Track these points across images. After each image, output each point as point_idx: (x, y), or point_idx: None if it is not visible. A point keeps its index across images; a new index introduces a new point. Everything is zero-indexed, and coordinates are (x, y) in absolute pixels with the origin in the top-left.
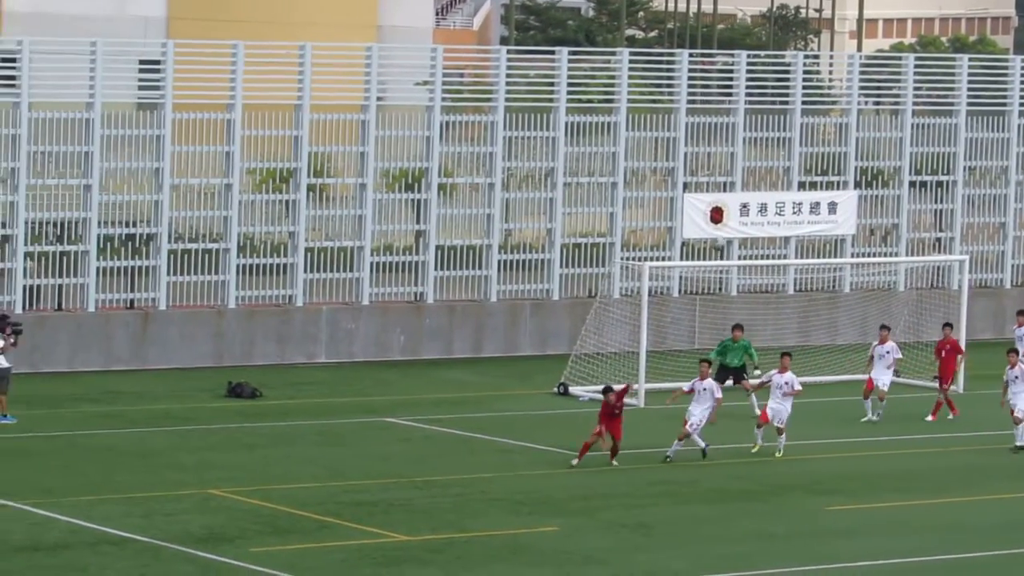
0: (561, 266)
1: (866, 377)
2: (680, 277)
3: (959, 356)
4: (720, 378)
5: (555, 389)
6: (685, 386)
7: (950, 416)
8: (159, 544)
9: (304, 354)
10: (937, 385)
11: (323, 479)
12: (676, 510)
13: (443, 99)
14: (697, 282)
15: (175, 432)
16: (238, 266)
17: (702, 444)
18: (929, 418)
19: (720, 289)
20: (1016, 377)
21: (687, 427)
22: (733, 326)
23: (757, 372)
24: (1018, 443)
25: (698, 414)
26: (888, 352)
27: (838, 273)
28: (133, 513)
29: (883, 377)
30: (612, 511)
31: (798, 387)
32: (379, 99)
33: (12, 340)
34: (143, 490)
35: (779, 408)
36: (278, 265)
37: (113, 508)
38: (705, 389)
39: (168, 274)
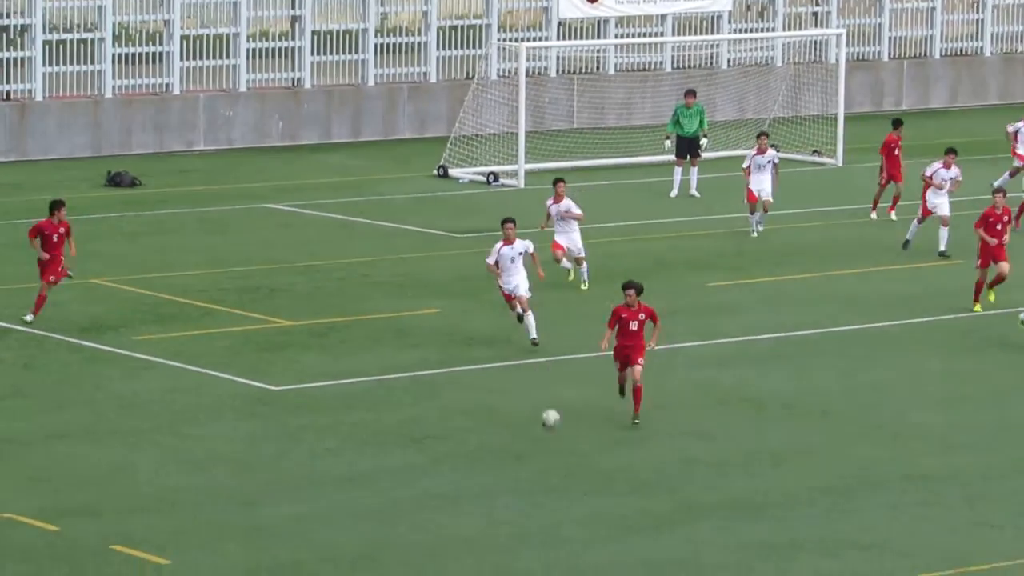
0: (438, 48)
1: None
2: (557, 57)
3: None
4: (680, 150)
5: (434, 171)
6: (551, 207)
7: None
8: (43, 334)
9: (183, 142)
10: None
11: (205, 266)
12: (558, 291)
13: None
14: (574, 61)
15: None
16: (114, 55)
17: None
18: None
19: (598, 68)
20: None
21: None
22: (686, 92)
23: (704, 141)
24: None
25: None
26: (769, 161)
27: (715, 50)
28: (16, 304)
29: (764, 186)
30: (494, 292)
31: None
32: None
33: None
34: (25, 281)
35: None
36: (154, 54)
37: None
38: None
39: (44, 65)
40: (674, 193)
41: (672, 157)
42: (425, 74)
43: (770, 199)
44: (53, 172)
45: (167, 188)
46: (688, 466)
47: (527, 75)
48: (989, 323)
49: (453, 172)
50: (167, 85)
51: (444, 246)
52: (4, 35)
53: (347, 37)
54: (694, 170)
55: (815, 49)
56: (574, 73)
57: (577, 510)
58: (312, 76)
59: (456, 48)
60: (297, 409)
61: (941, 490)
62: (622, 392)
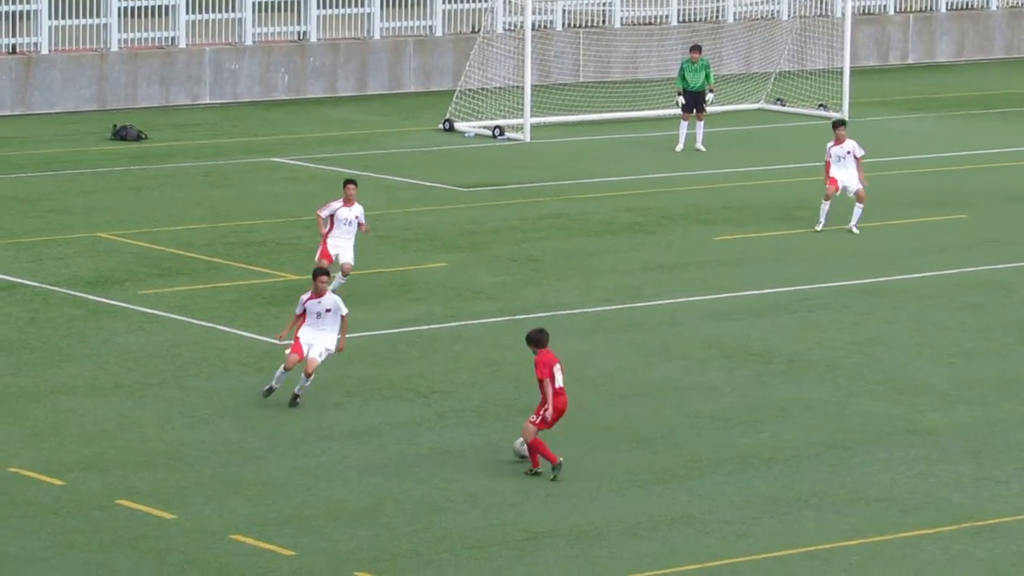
0: (444, 1)
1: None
2: (563, 11)
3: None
4: (688, 105)
5: (440, 125)
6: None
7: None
8: (49, 288)
9: (188, 95)
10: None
11: (211, 220)
12: (565, 243)
13: None
14: (580, 15)
15: (62, 176)
16: (119, 8)
17: None
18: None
19: (604, 21)
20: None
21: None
22: (691, 47)
23: (711, 96)
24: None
25: None
26: (848, 152)
27: (721, 3)
28: (22, 258)
29: (850, 180)
30: (501, 246)
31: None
32: None
33: None
34: (31, 235)
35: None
36: (160, 6)
37: (2, 253)
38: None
39: (49, 18)
40: (680, 147)
41: (677, 111)
42: (431, 28)
43: (861, 189)
44: (58, 126)
45: (172, 142)
46: (693, 421)
47: (533, 29)
48: (994, 277)
49: (459, 126)
50: (173, 39)
51: (450, 200)
52: None
53: None
54: (700, 124)
55: (821, 2)
56: (580, 27)
57: (582, 465)
58: (318, 29)
59: (462, 1)
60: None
61: (946, 444)
62: None
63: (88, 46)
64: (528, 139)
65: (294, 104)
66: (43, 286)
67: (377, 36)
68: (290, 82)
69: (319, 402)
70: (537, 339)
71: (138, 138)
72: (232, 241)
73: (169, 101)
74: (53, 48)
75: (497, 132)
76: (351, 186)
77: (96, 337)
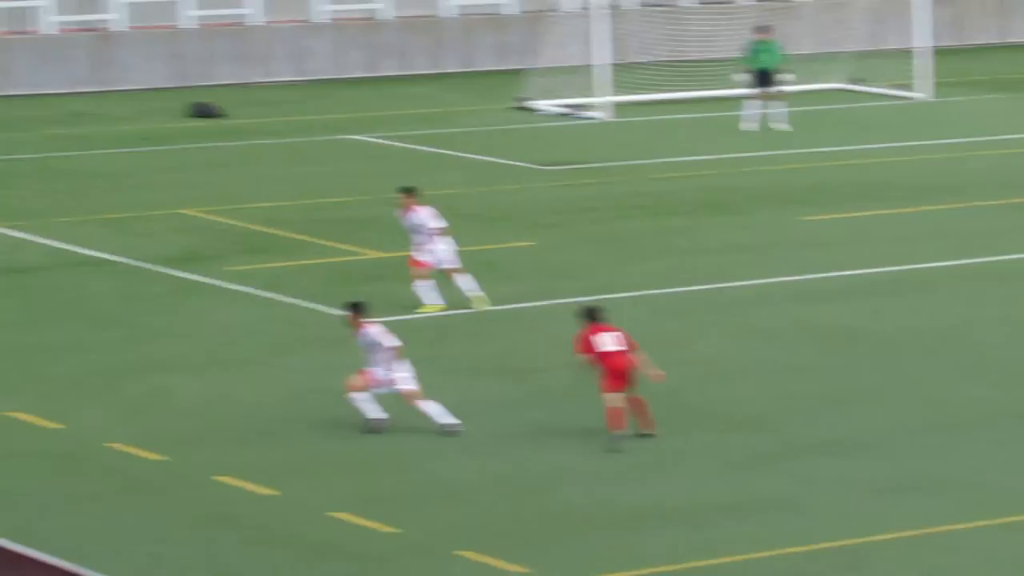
0: None
1: None
2: None
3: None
4: (757, 84)
5: (515, 103)
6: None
7: None
8: (137, 264)
9: (263, 73)
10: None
11: (295, 197)
12: (650, 223)
13: None
14: None
15: (144, 153)
16: None
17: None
18: None
19: (678, 0)
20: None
21: None
22: (758, 27)
23: (790, 76)
24: None
25: None
26: None
27: None
28: (109, 234)
29: None
30: (586, 225)
31: None
32: None
33: None
34: (118, 211)
35: None
36: None
37: (90, 230)
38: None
39: None
40: (754, 127)
41: (747, 90)
42: (504, 5)
43: None
44: (135, 103)
45: (252, 119)
46: (789, 402)
47: (607, 7)
48: None
49: (534, 104)
50: (248, 16)
51: (530, 178)
52: None
53: None
54: (779, 104)
55: None
56: (654, 5)
57: (678, 446)
58: (391, 7)
59: None
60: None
61: None
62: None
63: (164, 23)
64: (602, 117)
65: (368, 82)
66: (131, 262)
67: (451, 14)
68: (365, 59)
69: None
70: (588, 314)
71: (217, 115)
72: (316, 218)
73: (245, 78)
74: (129, 25)
75: (573, 110)
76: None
77: (187, 314)
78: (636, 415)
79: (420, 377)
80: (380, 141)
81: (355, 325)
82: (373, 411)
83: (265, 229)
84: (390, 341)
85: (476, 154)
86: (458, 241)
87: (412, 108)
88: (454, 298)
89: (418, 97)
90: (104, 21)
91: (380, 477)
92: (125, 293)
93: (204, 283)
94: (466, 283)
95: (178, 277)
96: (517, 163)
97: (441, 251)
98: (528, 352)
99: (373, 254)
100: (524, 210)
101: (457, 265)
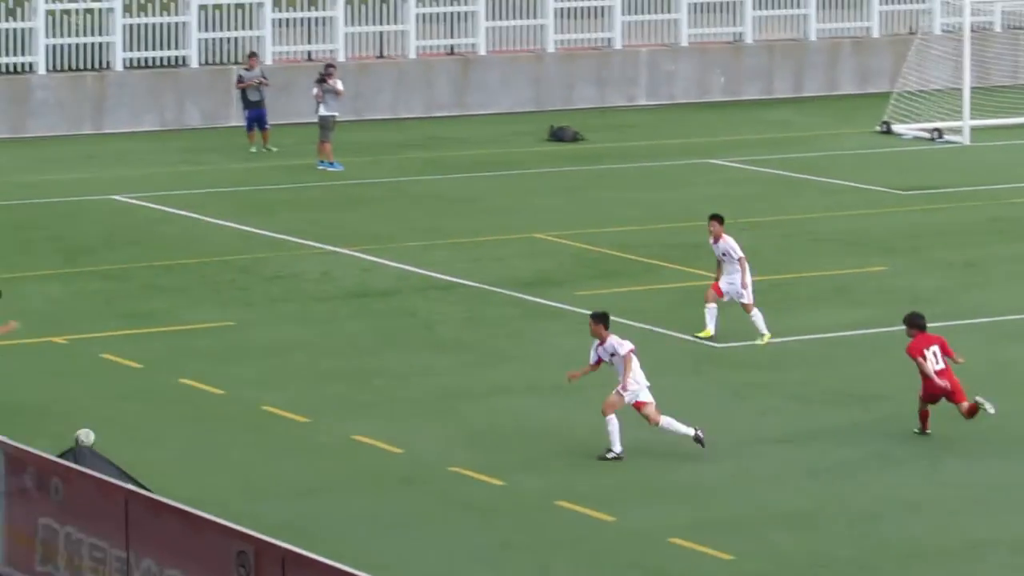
0: (881, 3)
1: None
2: (1002, 12)
3: None
4: None
5: (878, 127)
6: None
7: None
8: (487, 288)
9: (624, 96)
10: None
11: (648, 222)
12: (1007, 248)
13: None
14: (1020, 16)
15: (499, 177)
16: (556, 9)
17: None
18: None
19: None
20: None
21: None
22: None
23: None
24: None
25: None
26: None
27: None
28: (460, 258)
29: None
30: (941, 250)
31: None
32: None
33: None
34: (469, 235)
35: None
36: (596, 8)
37: (440, 253)
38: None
39: (487, 19)
40: None
41: None
42: (868, 28)
43: None
44: (495, 126)
45: (608, 143)
46: None
47: (971, 30)
48: None
49: (896, 128)
50: (609, 40)
51: (889, 203)
52: None
53: None
54: None
55: None
56: (1020, 28)
57: (1018, 473)
58: (754, 30)
59: (899, 3)
60: (740, 366)
61: None
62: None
63: (525, 47)
64: (967, 142)
65: (730, 106)
66: (481, 286)
67: (814, 37)
68: (726, 83)
69: (758, 406)
70: (911, 321)
71: (575, 139)
72: (669, 243)
73: (605, 102)
74: (491, 49)
75: (936, 135)
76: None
77: (534, 337)
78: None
79: (762, 402)
80: (737, 165)
81: (599, 335)
82: (617, 443)
83: (617, 253)
84: (626, 348)
85: (835, 178)
86: (812, 266)
87: (772, 132)
88: (817, 323)
89: (779, 121)
90: (465, 45)
91: (719, 503)
92: (473, 317)
93: (553, 307)
94: (756, 318)
95: (526, 300)
96: (876, 187)
97: (738, 283)
98: (873, 378)
99: None
100: (879, 235)
101: (747, 300)
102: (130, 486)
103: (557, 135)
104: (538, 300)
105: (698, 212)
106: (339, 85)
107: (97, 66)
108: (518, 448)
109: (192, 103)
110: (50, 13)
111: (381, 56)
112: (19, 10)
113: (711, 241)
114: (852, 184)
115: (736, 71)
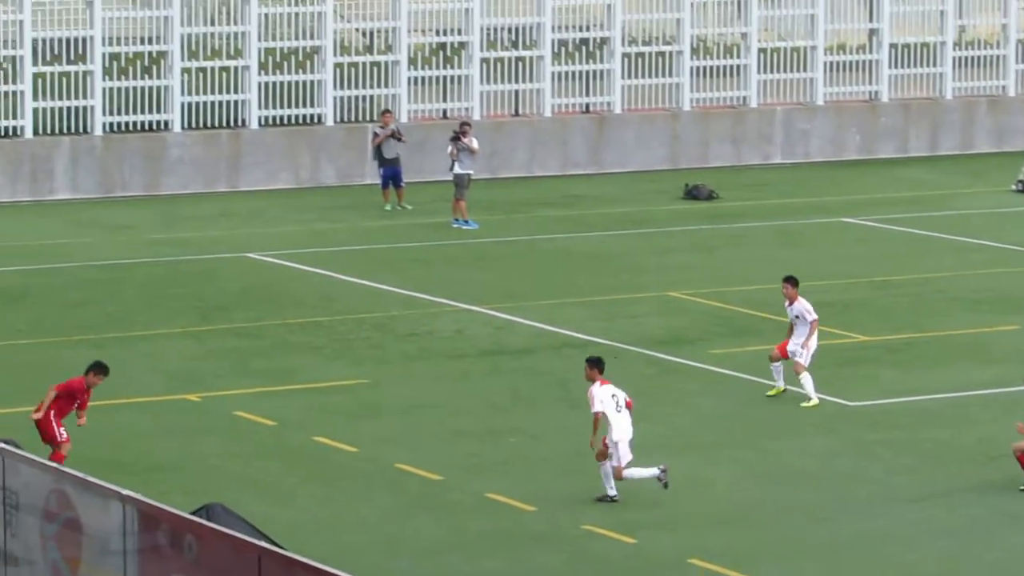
0: (1017, 62)
1: None
2: None
3: None
4: None
5: (1013, 186)
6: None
7: None
8: (620, 346)
9: (759, 155)
10: None
11: (781, 281)
12: None
13: None
14: None
15: (633, 235)
16: (691, 68)
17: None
18: None
19: None
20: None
21: None
22: None
23: None
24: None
25: None
26: None
27: None
28: (594, 316)
29: None
30: None
31: None
32: None
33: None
34: (603, 293)
35: None
36: (731, 67)
37: (574, 311)
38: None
39: (622, 77)
40: None
41: None
42: (1004, 87)
43: None
44: (630, 184)
45: (743, 201)
46: None
47: None
48: None
49: None
50: (744, 98)
51: (1022, 262)
52: (584, 48)
53: (925, 50)
54: None
55: None
56: None
57: None
58: (889, 89)
59: None
60: (873, 425)
61: None
62: None
63: (660, 105)
64: None
65: (865, 164)
66: (614, 344)
67: (949, 95)
68: (861, 142)
69: (892, 465)
70: None
71: (709, 197)
72: None
73: (740, 160)
74: (626, 107)
75: None
76: (786, 284)
77: (668, 396)
78: None
79: (895, 461)
80: (871, 224)
81: (593, 379)
82: (612, 488)
83: (751, 311)
84: (624, 395)
85: (968, 237)
86: (945, 324)
87: (907, 190)
88: (951, 382)
89: (913, 179)
90: (601, 104)
91: (849, 564)
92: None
93: (687, 365)
94: (805, 380)
95: (660, 359)
96: (1008, 246)
97: (803, 345)
98: (1010, 437)
99: (859, 337)
100: (1012, 293)
101: (802, 360)
102: (263, 543)
103: (692, 193)
104: (672, 358)
105: (831, 271)
106: (474, 143)
107: (232, 124)
108: (651, 506)
109: (327, 161)
110: (186, 71)
111: (516, 114)
112: (155, 68)
113: (786, 304)
114: (986, 243)
115: (871, 130)
